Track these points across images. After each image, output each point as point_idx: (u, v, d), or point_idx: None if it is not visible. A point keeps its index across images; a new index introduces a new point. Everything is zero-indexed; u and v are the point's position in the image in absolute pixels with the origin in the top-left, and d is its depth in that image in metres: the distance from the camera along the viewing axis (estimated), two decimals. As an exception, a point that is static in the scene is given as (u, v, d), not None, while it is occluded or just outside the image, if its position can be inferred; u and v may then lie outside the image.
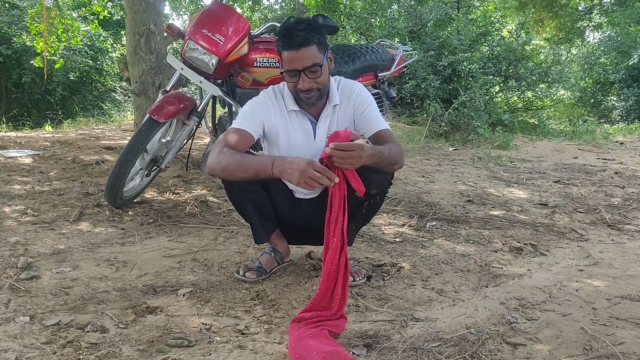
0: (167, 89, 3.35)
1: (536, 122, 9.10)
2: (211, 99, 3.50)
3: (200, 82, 3.26)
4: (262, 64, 3.41)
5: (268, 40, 3.55)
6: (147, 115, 3.09)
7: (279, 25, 3.47)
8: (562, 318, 2.08)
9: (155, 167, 3.37)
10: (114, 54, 14.42)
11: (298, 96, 2.23)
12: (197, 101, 3.41)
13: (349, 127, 2.32)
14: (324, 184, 1.90)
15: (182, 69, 3.27)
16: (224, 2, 3.45)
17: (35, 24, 8.38)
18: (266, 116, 2.26)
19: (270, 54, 3.44)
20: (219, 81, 3.38)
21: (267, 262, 2.47)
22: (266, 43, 3.52)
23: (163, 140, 3.33)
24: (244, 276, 2.39)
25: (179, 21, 20.51)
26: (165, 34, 4.45)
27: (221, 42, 3.18)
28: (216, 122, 3.70)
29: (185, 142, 3.45)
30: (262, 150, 2.47)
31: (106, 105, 14.36)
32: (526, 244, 3.00)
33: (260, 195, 2.34)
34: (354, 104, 2.31)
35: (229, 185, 2.28)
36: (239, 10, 13.85)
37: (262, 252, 2.53)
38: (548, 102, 10.17)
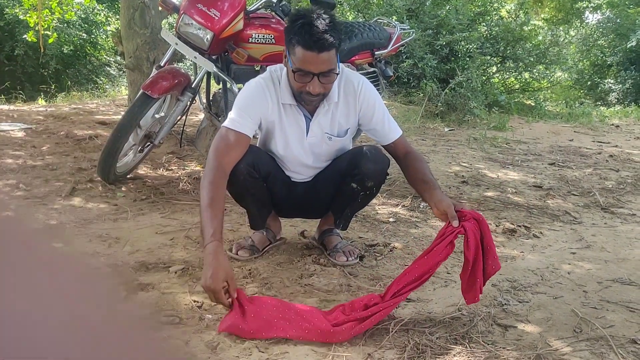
0: (162, 64, 3.31)
1: (532, 104, 9.08)
2: (206, 75, 3.46)
3: (195, 57, 3.22)
4: (258, 40, 3.36)
5: (264, 16, 3.50)
6: (141, 91, 3.06)
7: (275, 0, 3.44)
8: (553, 300, 2.09)
9: (148, 143, 3.34)
10: (108, 28, 14.24)
11: (300, 96, 2.11)
12: (192, 77, 3.37)
13: (350, 129, 2.29)
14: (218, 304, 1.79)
15: (176, 44, 3.23)
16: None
17: (28, -3, 8.25)
18: (263, 111, 2.16)
19: (266, 30, 3.39)
20: (213, 57, 3.33)
21: (259, 241, 2.46)
22: (262, 19, 3.47)
23: (157, 116, 3.30)
24: (237, 254, 2.39)
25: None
26: (160, 8, 4.38)
27: (216, 17, 3.13)
28: (210, 98, 3.66)
29: (179, 118, 3.42)
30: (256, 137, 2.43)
31: (100, 80, 14.21)
32: (519, 226, 3.00)
33: (260, 188, 2.31)
34: (361, 107, 2.21)
35: (229, 180, 2.14)
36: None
37: (255, 231, 2.52)
38: (545, 84, 10.13)
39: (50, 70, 12.99)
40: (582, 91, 15.56)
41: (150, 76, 3.19)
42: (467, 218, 1.88)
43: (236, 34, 3.26)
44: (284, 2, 3.44)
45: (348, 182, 2.29)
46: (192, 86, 3.30)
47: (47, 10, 8.73)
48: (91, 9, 13.75)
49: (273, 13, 3.52)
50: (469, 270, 1.86)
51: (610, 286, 2.24)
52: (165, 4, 3.37)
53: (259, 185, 2.28)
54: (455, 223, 1.87)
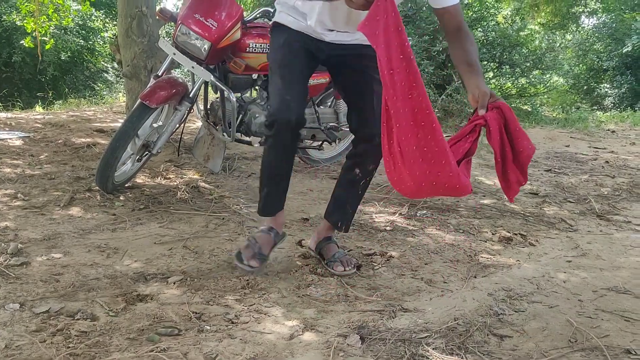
0: (159, 74, 3.33)
1: (529, 109, 9.11)
2: (203, 84, 3.48)
3: (192, 67, 3.24)
4: (255, 50, 3.38)
5: (261, 25, 3.52)
6: (139, 101, 3.07)
7: (272, 10, 3.46)
8: (549, 310, 2.11)
9: (146, 153, 3.35)
10: (105, 34, 14.27)
11: None
12: (189, 85, 3.39)
13: None
14: None
15: (174, 54, 3.25)
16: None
17: (26, 4, 8.27)
18: None
19: (264, 39, 3.41)
20: (211, 66, 3.35)
21: (265, 243, 2.38)
22: (259, 28, 3.49)
23: (155, 125, 3.32)
24: (249, 265, 2.29)
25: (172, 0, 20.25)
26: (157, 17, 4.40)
27: (214, 27, 3.15)
28: (208, 107, 3.68)
29: (177, 127, 3.43)
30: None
31: (98, 86, 14.24)
32: (516, 234, 3.02)
33: (290, 167, 2.37)
34: None
35: (278, 139, 2.23)
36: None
37: (259, 231, 2.43)
38: (542, 89, 10.18)
39: (48, 77, 13.01)
40: (578, 95, 15.63)
41: (148, 86, 3.21)
42: (489, 108, 1.84)
43: (234, 43, 3.28)
44: (281, 12, 3.45)
45: (350, 168, 2.35)
46: (190, 95, 3.32)
47: (44, 16, 8.74)
48: (88, 16, 13.78)
49: (270, 22, 3.55)
50: (499, 161, 1.84)
51: (606, 295, 2.26)
52: (163, 13, 3.39)
53: (294, 145, 2.34)
54: (482, 112, 1.85)
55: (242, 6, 3.41)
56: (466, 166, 1.80)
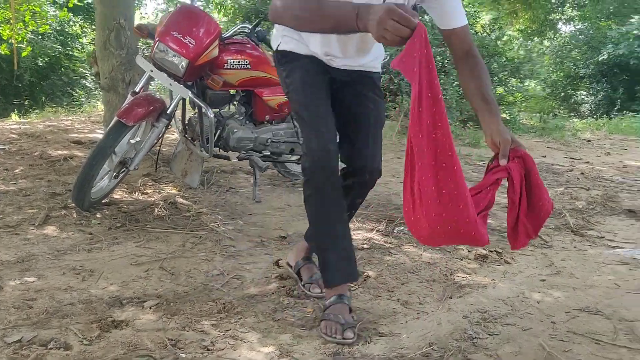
0: (137, 90, 3.31)
1: (507, 118, 9.22)
2: (181, 100, 3.47)
3: (170, 84, 3.23)
4: (233, 66, 3.39)
5: (239, 41, 3.53)
6: (115, 118, 3.05)
7: (250, 27, 3.48)
8: (523, 333, 2.13)
9: (123, 169, 3.33)
10: (84, 40, 14.14)
11: None
12: (167, 100, 3.39)
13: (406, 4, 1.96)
14: (404, 35, 1.54)
15: (151, 71, 3.24)
16: (194, 3, 3.42)
17: (2, 10, 8.17)
18: None
19: (241, 55, 3.42)
20: (189, 83, 3.35)
21: (345, 312, 2.10)
22: (237, 44, 3.50)
23: (132, 141, 3.30)
24: (346, 338, 2.00)
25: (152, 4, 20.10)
26: (135, 31, 4.37)
27: (191, 45, 3.15)
28: (186, 123, 3.67)
29: (154, 143, 3.42)
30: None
31: (76, 92, 14.08)
32: (491, 252, 3.05)
33: (345, 212, 2.18)
34: None
35: (324, 188, 2.04)
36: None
37: (329, 305, 2.13)
38: (519, 96, 10.30)
39: (25, 83, 12.84)
40: (556, 102, 15.86)
41: (125, 103, 3.19)
42: (510, 157, 1.80)
43: (212, 60, 3.28)
44: (259, 29, 3.48)
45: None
46: (168, 112, 3.31)
47: (20, 23, 8.64)
48: (67, 21, 13.64)
49: (248, 39, 3.56)
50: (516, 214, 1.82)
51: (578, 316, 2.30)
52: (140, 30, 3.38)
53: (341, 192, 2.11)
54: (503, 162, 1.77)
55: (220, 25, 3.40)
56: (483, 219, 1.80)
